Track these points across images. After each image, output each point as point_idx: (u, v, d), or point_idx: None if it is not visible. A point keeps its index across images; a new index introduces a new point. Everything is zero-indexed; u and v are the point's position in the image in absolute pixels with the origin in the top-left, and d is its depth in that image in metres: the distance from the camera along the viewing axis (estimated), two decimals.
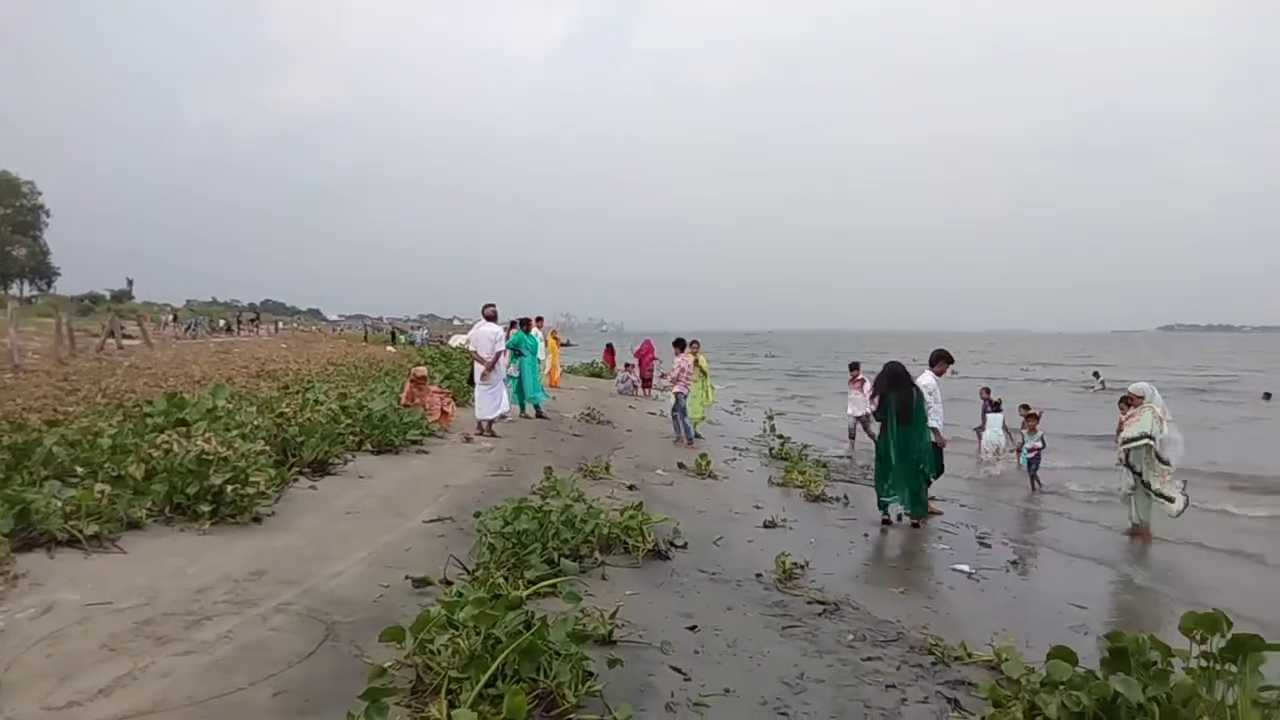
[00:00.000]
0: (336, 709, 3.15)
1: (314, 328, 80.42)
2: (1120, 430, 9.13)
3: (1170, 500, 8.53)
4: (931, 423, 9.10)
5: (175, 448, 6.07)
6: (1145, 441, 8.57)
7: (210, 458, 5.95)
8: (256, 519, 5.96)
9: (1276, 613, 6.18)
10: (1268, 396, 29.61)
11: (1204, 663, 3.79)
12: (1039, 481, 11.93)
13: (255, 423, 7.85)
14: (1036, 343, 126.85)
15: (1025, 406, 13.29)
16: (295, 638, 3.93)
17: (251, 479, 6.04)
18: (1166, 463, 8.58)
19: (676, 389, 13.95)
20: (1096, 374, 33.77)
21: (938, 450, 9.24)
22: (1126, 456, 8.66)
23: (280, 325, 72.14)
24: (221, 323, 62.25)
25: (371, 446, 9.23)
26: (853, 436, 15.40)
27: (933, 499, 9.11)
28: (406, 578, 4.91)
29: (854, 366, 15.89)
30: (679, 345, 14.58)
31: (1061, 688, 3.84)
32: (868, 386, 14.60)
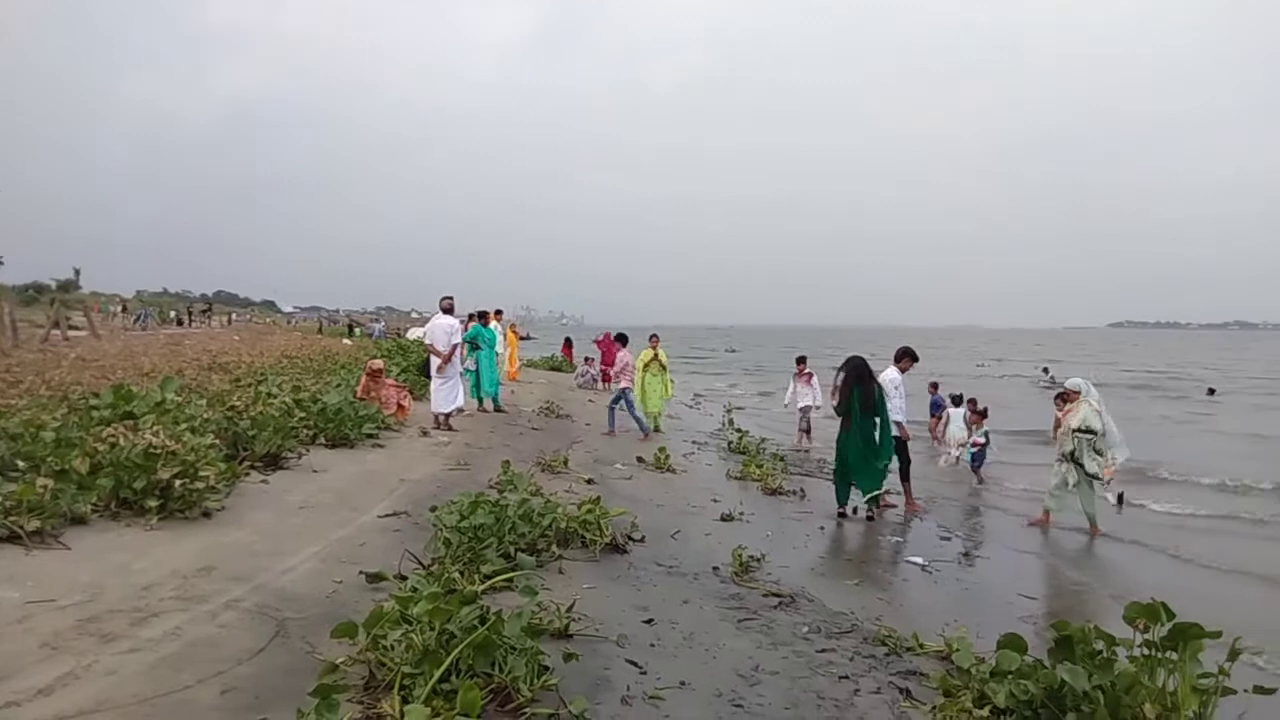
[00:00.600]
0: (287, 706, 3.11)
1: (268, 320, 79.05)
2: (1058, 425, 9.33)
3: (1107, 490, 8.72)
4: (895, 417, 9.25)
5: (122, 441, 5.92)
6: (1088, 434, 8.76)
7: (158, 451, 5.81)
8: (206, 514, 5.85)
9: (1207, 609, 6.37)
10: (1211, 392, 30.49)
11: (1146, 651, 3.90)
12: (981, 477, 12.14)
13: (205, 416, 7.70)
14: (991, 338, 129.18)
15: (972, 402, 13.51)
16: (245, 634, 3.87)
17: (201, 473, 5.93)
18: (1100, 453, 8.76)
19: (623, 383, 13.94)
20: (1046, 370, 34.42)
21: (902, 444, 9.38)
22: (1071, 450, 8.83)
23: (234, 317, 70.77)
24: (173, 314, 60.90)
25: (326, 440, 9.10)
26: (804, 431, 15.36)
27: (889, 492, 9.23)
28: (360, 573, 4.86)
29: (801, 360, 15.76)
30: (622, 340, 14.62)
31: (1010, 677, 3.92)
32: (816, 380, 14.69)
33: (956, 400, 13.92)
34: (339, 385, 11.87)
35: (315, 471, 7.82)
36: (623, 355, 14.21)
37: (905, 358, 9.70)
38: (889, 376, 9.49)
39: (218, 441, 7.09)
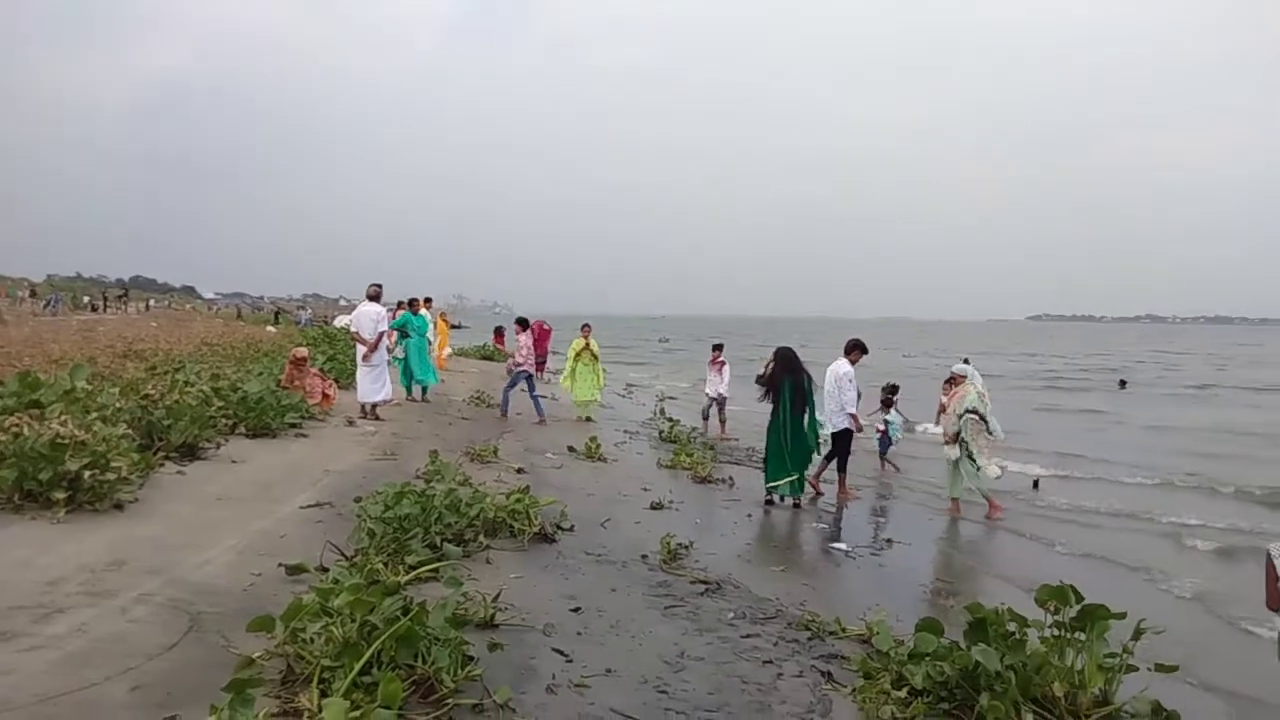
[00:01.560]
0: (200, 702, 3.01)
1: (189, 306, 76.51)
2: (944, 410, 9.64)
3: (986, 470, 9.04)
4: (848, 409, 9.43)
5: (26, 431, 5.67)
6: (973, 415, 9.04)
7: (66, 442, 5.58)
8: (118, 506, 5.63)
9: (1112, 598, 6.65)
10: (1123, 384, 31.71)
11: (1056, 632, 4.06)
12: (890, 463, 12.40)
13: (118, 405, 7.41)
14: (919, 330, 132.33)
15: (894, 389, 13.76)
16: (156, 629, 3.74)
17: (112, 464, 5.71)
18: (993, 434, 9.10)
19: (521, 367, 13.90)
20: (967, 361, 35.38)
21: (848, 435, 9.53)
22: (957, 432, 9.11)
23: (151, 303, 68.30)
24: (86, 300, 58.49)
25: (247, 430, 8.86)
26: (706, 418, 15.16)
27: (823, 481, 9.42)
28: (280, 565, 4.74)
29: (717, 348, 15.57)
30: (522, 324, 14.61)
31: (927, 659, 4.04)
32: (728, 369, 14.72)
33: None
34: (261, 374, 11.56)
35: (235, 462, 7.61)
36: (524, 339, 14.21)
37: (855, 350, 9.77)
38: (841, 370, 9.63)
39: (130, 431, 6.83)
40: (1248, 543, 8.10)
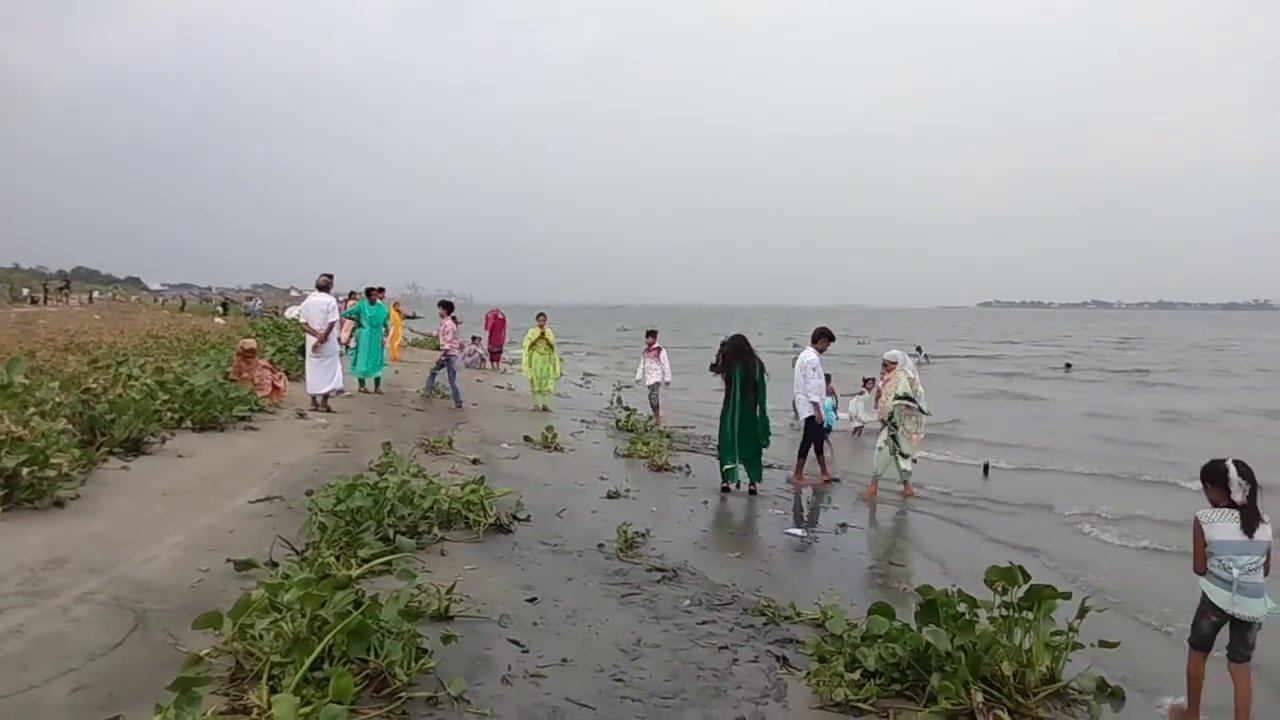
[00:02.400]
0: (144, 702, 2.95)
1: (134, 298, 74.55)
2: (879, 396, 9.81)
3: (905, 457, 9.21)
4: (812, 398, 9.49)
5: None
6: (903, 401, 9.19)
7: (2, 438, 5.40)
8: (58, 503, 5.48)
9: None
10: (1068, 367, 32.45)
11: (1005, 612, 4.15)
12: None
13: (58, 400, 7.20)
14: (872, 317, 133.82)
15: (828, 377, 13.88)
16: (99, 629, 3.66)
17: (52, 460, 5.56)
18: (925, 415, 9.28)
19: (448, 351, 13.87)
20: (919, 348, 35.86)
21: (814, 423, 9.60)
22: (890, 415, 9.27)
23: (95, 295, 66.43)
24: (25, 291, 56.59)
25: (193, 424, 8.65)
26: (655, 406, 14.79)
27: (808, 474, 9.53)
28: (228, 561, 4.66)
29: (650, 334, 15.26)
30: (447, 308, 14.56)
31: (880, 641, 4.10)
32: (664, 355, 14.60)
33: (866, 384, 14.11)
34: (208, 366, 11.31)
35: (181, 456, 7.44)
36: (447, 324, 14.18)
37: (822, 338, 9.83)
38: (807, 358, 9.72)
39: (71, 427, 6.66)
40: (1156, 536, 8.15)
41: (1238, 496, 4.05)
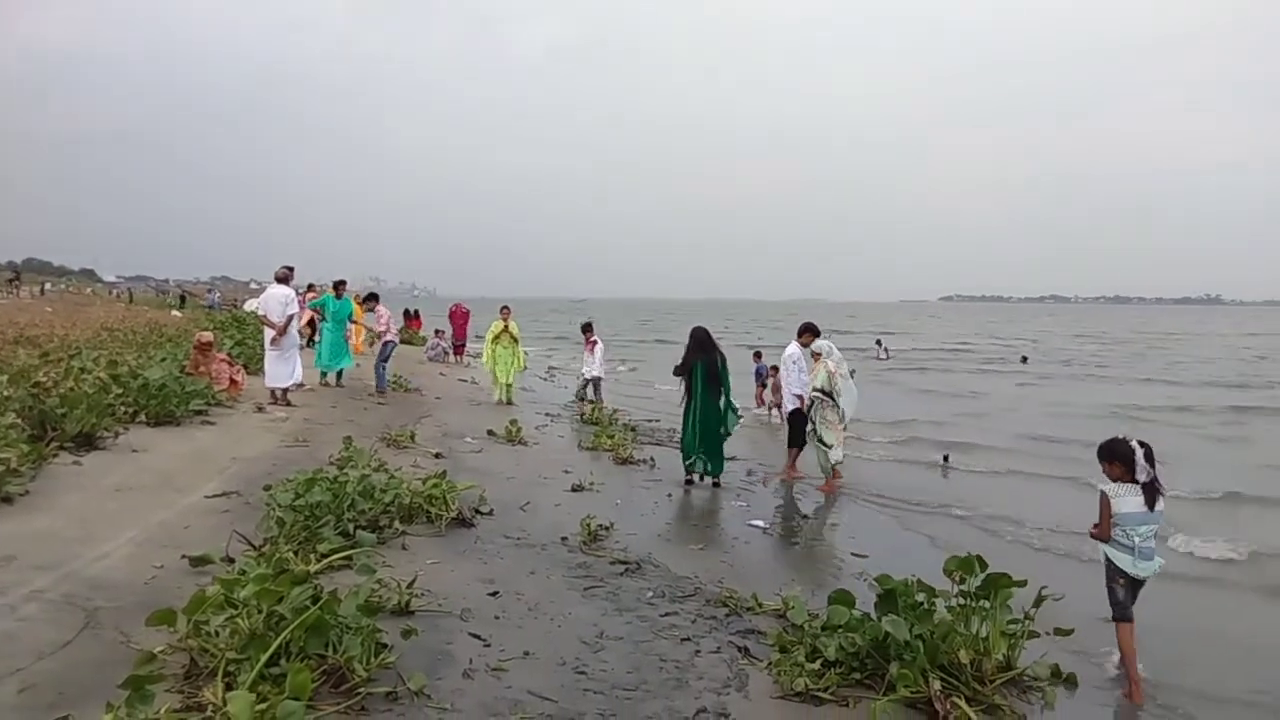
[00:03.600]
0: (95, 701, 2.90)
1: (88, 290, 72.88)
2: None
3: (829, 447, 9.26)
4: (795, 390, 9.62)
5: None
6: (819, 394, 9.28)
7: None
8: (6, 499, 5.35)
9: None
10: (1024, 360, 32.95)
11: (962, 601, 4.21)
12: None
13: (6, 394, 7.03)
14: (834, 311, 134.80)
15: (774, 368, 13.99)
16: (49, 627, 3.58)
17: (0, 455, 5.42)
18: (839, 414, 9.25)
19: (386, 337, 13.87)
20: (879, 341, 36.16)
21: (800, 415, 9.61)
22: (811, 407, 9.38)
23: (46, 287, 64.78)
24: None
25: (148, 418, 8.47)
26: (581, 399, 14.84)
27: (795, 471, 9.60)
28: (183, 557, 4.58)
29: (587, 328, 15.29)
30: (374, 299, 14.65)
31: (840, 630, 4.14)
32: (599, 349, 14.55)
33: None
34: (164, 359, 11.10)
35: (135, 451, 7.28)
36: (381, 310, 14.29)
37: (806, 332, 9.84)
38: (787, 353, 9.83)
39: (20, 421, 6.51)
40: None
41: (1141, 476, 4.45)
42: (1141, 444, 4.51)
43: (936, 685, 3.75)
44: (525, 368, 15.46)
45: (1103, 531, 4.56)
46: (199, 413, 9.18)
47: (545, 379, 21.45)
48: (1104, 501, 4.55)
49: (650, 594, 5.11)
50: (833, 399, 9.20)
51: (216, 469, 7.01)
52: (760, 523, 7.63)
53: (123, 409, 8.24)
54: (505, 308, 15.19)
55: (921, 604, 4.20)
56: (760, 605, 5.02)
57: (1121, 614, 4.52)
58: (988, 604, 4.17)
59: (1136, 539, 4.44)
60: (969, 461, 11.54)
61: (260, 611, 3.31)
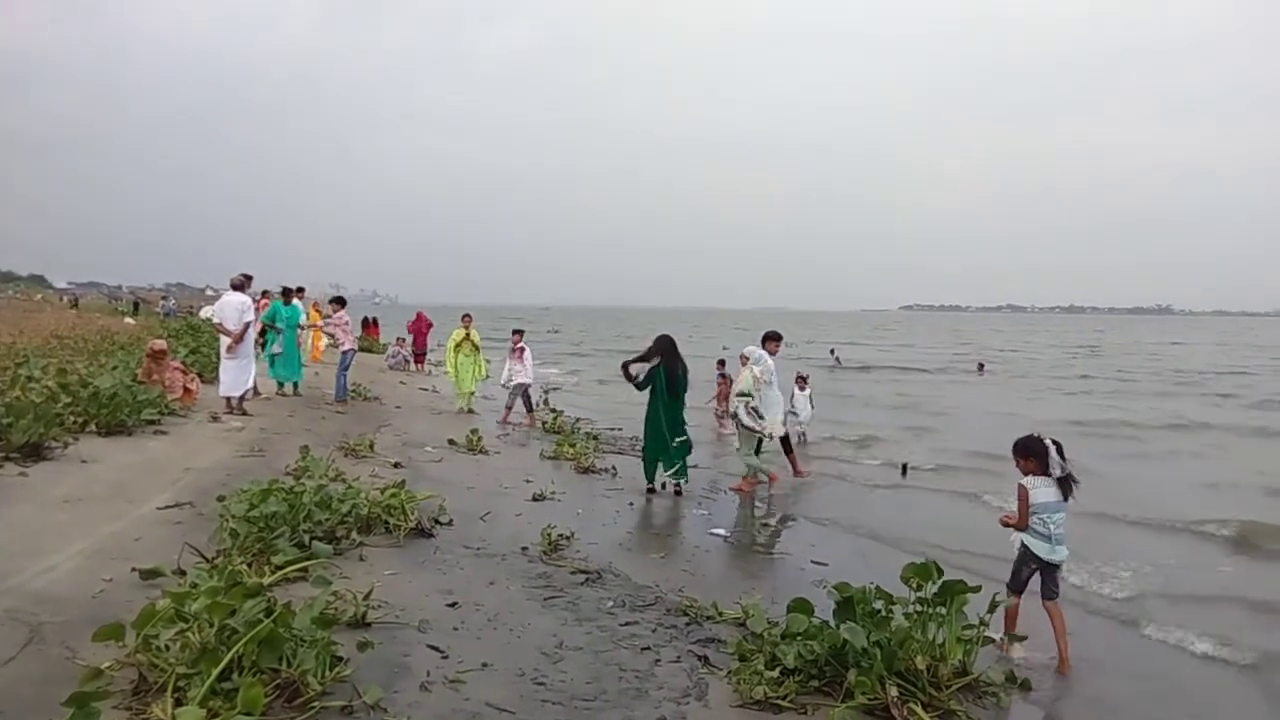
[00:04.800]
0: (38, 719, 2.82)
1: (38, 296, 71.08)
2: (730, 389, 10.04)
3: (755, 451, 9.44)
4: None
5: None
6: (742, 399, 9.38)
7: None
8: None
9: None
10: (981, 368, 33.44)
11: (919, 608, 4.26)
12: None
13: None
14: (795, 319, 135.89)
15: (723, 377, 14.03)
16: None
17: None
18: (762, 418, 9.31)
19: (345, 346, 13.68)
20: (833, 351, 36.51)
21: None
22: (734, 411, 9.50)
23: None
24: None
25: (99, 428, 8.29)
26: (509, 408, 14.24)
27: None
28: (133, 570, 4.46)
29: (516, 333, 14.68)
30: (340, 303, 14.47)
31: (799, 638, 4.16)
32: (528, 355, 14.09)
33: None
34: (116, 368, 10.87)
35: (85, 462, 7.12)
36: (341, 315, 14.07)
37: (770, 340, 9.89)
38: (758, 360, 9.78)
39: None
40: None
41: (1056, 471, 4.94)
42: (1055, 443, 4.99)
43: (894, 692, 3.78)
44: (487, 376, 15.35)
45: (1021, 520, 5.00)
46: (151, 422, 9.00)
47: (507, 387, 21.27)
48: (1023, 493, 5.01)
49: (610, 603, 5.10)
50: (750, 410, 9.24)
51: (169, 480, 6.87)
52: (721, 531, 7.66)
53: (72, 418, 8.06)
54: (467, 316, 15.11)
55: (879, 611, 4.25)
56: (720, 614, 5.03)
57: (1016, 587, 5.04)
58: (944, 611, 4.22)
59: (1052, 526, 4.91)
60: (926, 474, 11.65)
61: (212, 625, 3.25)
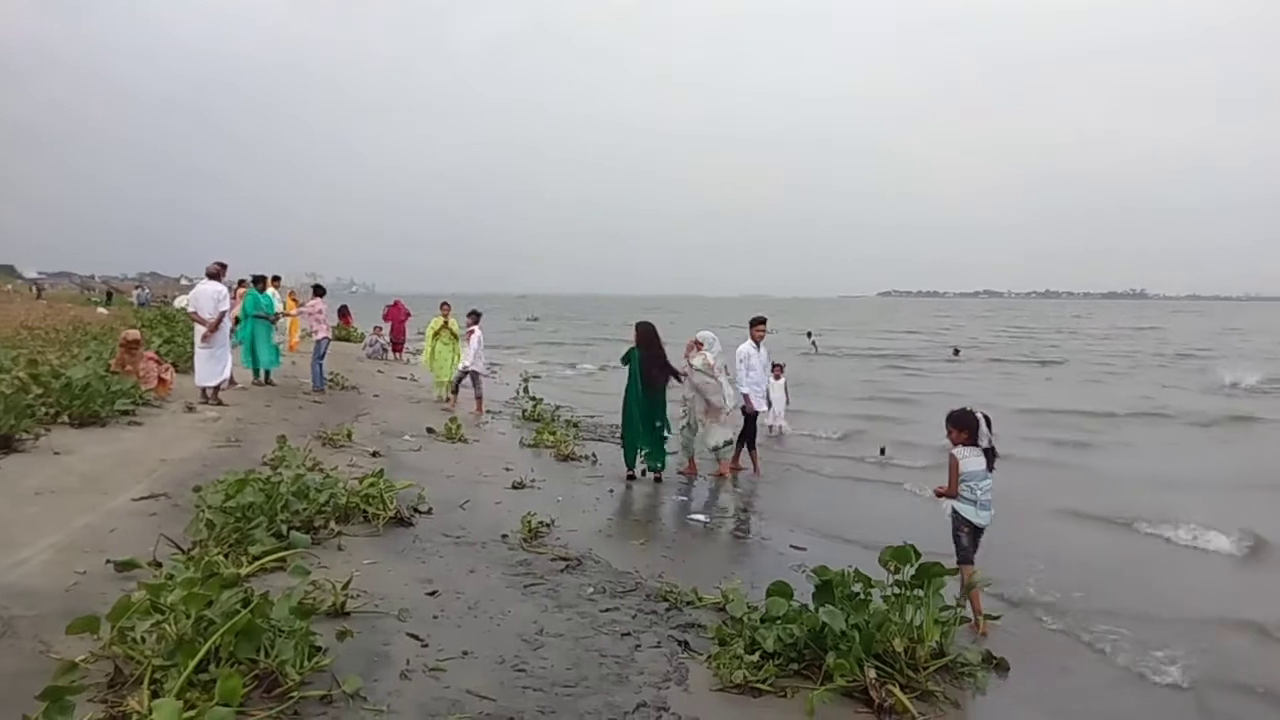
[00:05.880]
0: (11, 714, 2.79)
1: (8, 287, 69.93)
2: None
3: (708, 436, 9.39)
4: (744, 389, 9.49)
5: None
6: (700, 374, 9.36)
7: None
8: None
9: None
10: (956, 352, 33.56)
11: (897, 590, 4.30)
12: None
13: None
14: (775, 306, 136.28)
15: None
16: None
17: None
18: (719, 406, 9.27)
19: (320, 334, 13.59)
20: (810, 334, 36.62)
21: (748, 416, 9.60)
22: (686, 396, 9.52)
23: None
24: None
25: (71, 419, 8.19)
26: (455, 391, 13.93)
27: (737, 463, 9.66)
28: (108, 562, 4.43)
29: (473, 316, 14.02)
30: (319, 291, 14.43)
31: (778, 622, 4.19)
32: (476, 339, 13.49)
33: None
34: (88, 358, 10.72)
35: (57, 453, 7.03)
36: (315, 303, 14.06)
37: (755, 325, 9.87)
38: (740, 351, 9.71)
39: None
40: None
41: (983, 443, 5.25)
42: (985, 416, 5.31)
43: (872, 674, 3.82)
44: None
45: (951, 488, 5.30)
46: (125, 413, 8.89)
47: (487, 375, 21.19)
48: (953, 463, 5.32)
49: (591, 590, 5.11)
50: (702, 393, 9.23)
51: (144, 471, 6.79)
52: (701, 517, 7.69)
53: (44, 409, 7.96)
54: (445, 304, 15.02)
55: (858, 594, 4.28)
56: (700, 599, 5.06)
57: (964, 558, 5.23)
58: (921, 593, 4.26)
59: (979, 493, 5.22)
60: (905, 456, 11.73)
61: (188, 616, 3.22)
